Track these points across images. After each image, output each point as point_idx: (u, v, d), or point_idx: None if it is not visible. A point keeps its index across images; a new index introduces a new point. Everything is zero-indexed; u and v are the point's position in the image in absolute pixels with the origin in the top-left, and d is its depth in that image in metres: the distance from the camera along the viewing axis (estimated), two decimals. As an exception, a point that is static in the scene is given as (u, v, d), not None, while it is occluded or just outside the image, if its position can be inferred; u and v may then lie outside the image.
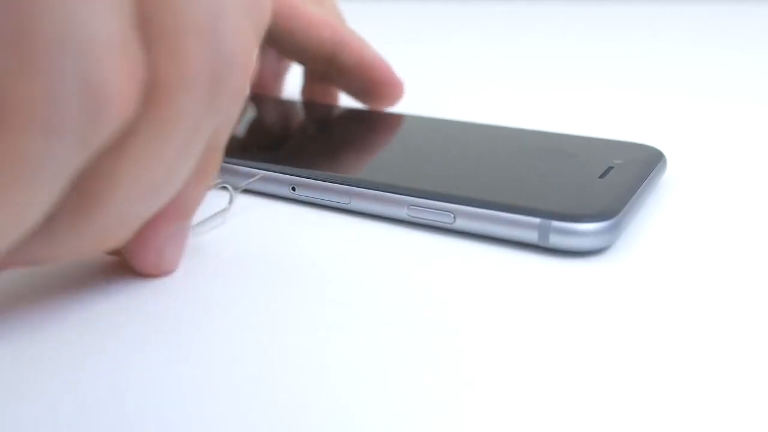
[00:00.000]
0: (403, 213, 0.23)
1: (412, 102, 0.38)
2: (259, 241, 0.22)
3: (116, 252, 0.20)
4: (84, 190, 0.15)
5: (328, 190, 0.24)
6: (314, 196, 0.25)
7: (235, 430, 0.14)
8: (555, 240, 0.21)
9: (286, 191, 0.25)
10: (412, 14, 0.72)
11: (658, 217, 0.24)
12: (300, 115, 0.33)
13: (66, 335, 0.17)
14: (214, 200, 0.24)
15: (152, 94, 0.14)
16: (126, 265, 0.20)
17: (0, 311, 0.18)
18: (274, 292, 0.19)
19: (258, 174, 0.25)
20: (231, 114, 0.17)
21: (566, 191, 0.22)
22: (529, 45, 0.56)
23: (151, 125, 0.15)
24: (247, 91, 0.17)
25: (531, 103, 0.39)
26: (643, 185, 0.23)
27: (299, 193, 0.25)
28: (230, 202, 0.23)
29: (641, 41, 0.56)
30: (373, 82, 0.32)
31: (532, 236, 0.21)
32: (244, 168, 0.26)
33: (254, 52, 0.17)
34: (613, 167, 0.24)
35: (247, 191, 0.26)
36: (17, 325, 0.18)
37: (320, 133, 0.29)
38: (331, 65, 0.32)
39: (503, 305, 0.18)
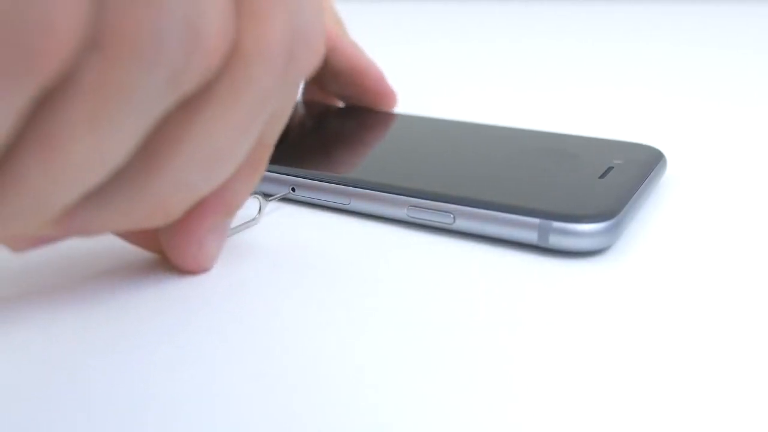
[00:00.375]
0: (402, 213, 0.23)
1: (412, 102, 0.38)
2: (269, 243, 0.22)
3: (155, 248, 0.20)
4: (150, 150, 0.15)
5: (327, 191, 0.24)
6: (314, 196, 0.25)
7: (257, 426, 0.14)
8: (555, 240, 0.21)
9: (286, 191, 0.25)
10: (412, 14, 0.72)
11: (658, 218, 0.24)
12: (300, 115, 0.33)
13: (100, 325, 0.17)
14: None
15: (232, 57, 0.15)
16: (163, 262, 0.20)
17: (38, 300, 0.18)
18: (281, 294, 0.19)
19: (286, 191, 0.25)
20: (288, 102, 0.18)
21: (566, 191, 0.22)
22: (529, 45, 0.56)
23: (225, 88, 0.15)
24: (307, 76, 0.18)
25: (531, 103, 0.39)
26: (643, 185, 0.23)
27: (299, 194, 0.25)
28: (259, 211, 0.23)
29: (641, 41, 0.56)
30: (365, 89, 0.32)
31: (531, 237, 0.21)
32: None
33: (323, 41, 0.17)
34: (613, 167, 0.24)
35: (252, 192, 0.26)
36: (56, 314, 0.18)
37: (320, 134, 0.29)
38: (324, 70, 0.32)
39: (503, 306, 0.18)
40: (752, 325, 0.17)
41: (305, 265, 0.21)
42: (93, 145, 0.13)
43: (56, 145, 0.13)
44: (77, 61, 0.13)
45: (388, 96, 0.33)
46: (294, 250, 0.22)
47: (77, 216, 0.15)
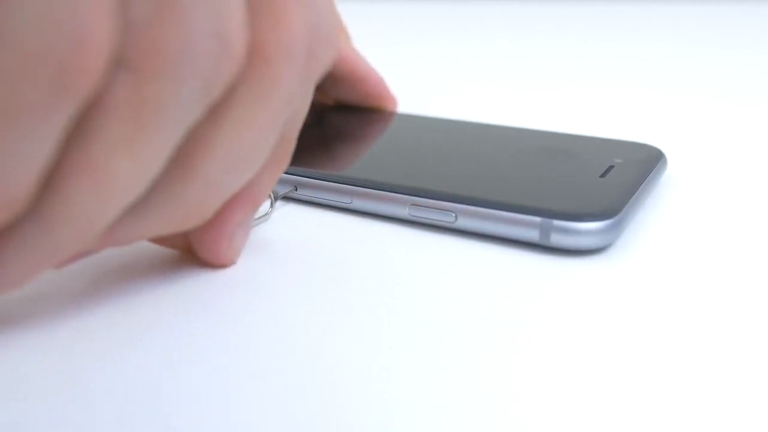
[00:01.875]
0: (404, 212, 0.23)
1: (412, 102, 0.39)
2: (275, 241, 0.22)
3: (173, 244, 0.20)
4: (183, 157, 0.15)
5: (330, 190, 0.24)
6: (316, 195, 0.25)
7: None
8: (556, 239, 0.21)
9: (291, 188, 0.25)
10: (412, 14, 0.72)
11: (658, 216, 0.24)
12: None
13: (118, 323, 0.17)
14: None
15: (253, 59, 0.15)
16: (175, 256, 0.20)
17: (53, 300, 0.18)
18: (287, 293, 0.19)
19: (292, 187, 0.25)
20: (307, 97, 0.18)
21: (567, 190, 0.22)
22: (529, 45, 0.56)
23: (250, 89, 0.15)
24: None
25: (532, 103, 0.39)
26: (643, 184, 0.23)
27: (301, 193, 0.25)
28: (271, 206, 0.24)
29: (641, 41, 0.56)
30: (365, 95, 0.32)
31: (533, 235, 0.21)
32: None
33: (339, 34, 0.17)
34: (613, 166, 0.24)
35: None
36: (72, 311, 0.18)
37: (321, 133, 0.30)
38: (325, 75, 0.32)
39: (505, 304, 0.19)
40: (753, 322, 0.18)
41: (310, 263, 0.21)
42: (133, 160, 0.14)
43: (98, 165, 0.13)
44: (108, 79, 0.13)
45: (388, 101, 0.33)
46: (298, 248, 0.22)
47: (118, 229, 0.16)
